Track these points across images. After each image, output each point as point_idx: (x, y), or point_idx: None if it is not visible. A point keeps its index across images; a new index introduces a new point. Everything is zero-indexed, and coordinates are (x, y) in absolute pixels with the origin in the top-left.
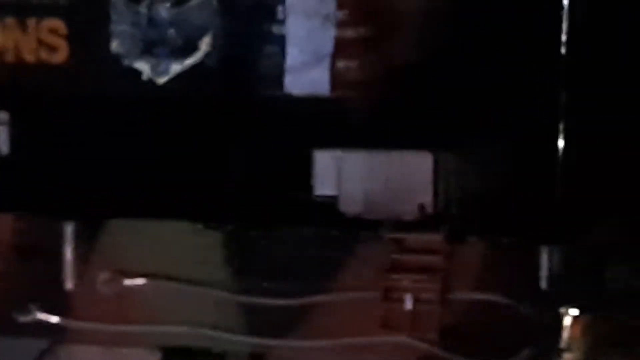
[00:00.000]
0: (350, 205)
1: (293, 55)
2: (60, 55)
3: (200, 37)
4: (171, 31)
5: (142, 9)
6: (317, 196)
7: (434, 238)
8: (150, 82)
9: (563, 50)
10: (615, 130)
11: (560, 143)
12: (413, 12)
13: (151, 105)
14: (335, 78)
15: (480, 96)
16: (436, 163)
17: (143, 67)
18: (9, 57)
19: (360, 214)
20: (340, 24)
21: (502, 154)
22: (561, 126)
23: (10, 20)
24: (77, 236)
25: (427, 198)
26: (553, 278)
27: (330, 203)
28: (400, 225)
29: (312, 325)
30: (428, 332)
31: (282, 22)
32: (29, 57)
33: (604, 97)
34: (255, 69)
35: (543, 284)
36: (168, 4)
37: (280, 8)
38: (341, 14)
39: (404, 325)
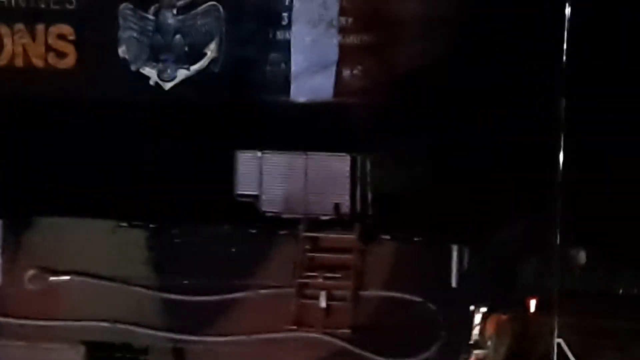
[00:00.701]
0: (270, 205)
1: (298, 62)
2: (69, 60)
3: (206, 43)
4: (178, 37)
5: (150, 15)
6: (239, 195)
7: (348, 237)
8: (157, 87)
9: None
10: (506, 132)
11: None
12: (416, 19)
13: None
14: (341, 84)
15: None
16: (353, 165)
17: (150, 72)
18: (17, 62)
19: (279, 213)
20: (344, 31)
21: (415, 156)
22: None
23: (19, 26)
24: (4, 234)
25: (343, 199)
26: (463, 276)
27: (251, 202)
28: (317, 224)
29: (230, 321)
30: (341, 329)
31: (287, 28)
32: (38, 62)
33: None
34: (261, 75)
35: (453, 282)
36: (175, 11)
37: (285, 15)
38: (345, 21)
39: (317, 322)
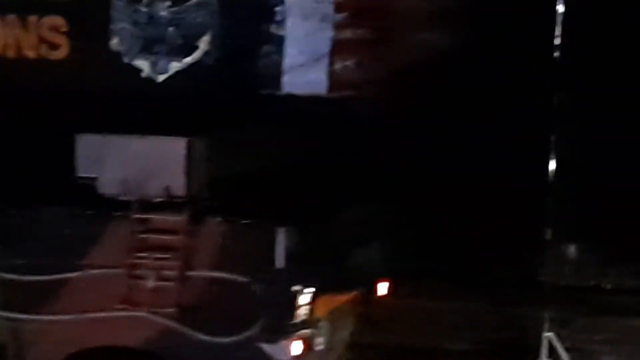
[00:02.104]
0: (108, 187)
1: (291, 55)
2: (61, 52)
3: (199, 36)
4: (171, 30)
5: (142, 7)
6: (79, 177)
7: (177, 219)
8: (150, 79)
9: None
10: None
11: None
12: (410, 12)
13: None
14: (334, 78)
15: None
16: (189, 148)
17: (143, 64)
18: (9, 53)
19: (115, 195)
20: (338, 26)
21: (248, 140)
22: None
23: (11, 17)
24: None
25: (178, 181)
26: (288, 257)
27: (91, 184)
28: (151, 206)
29: (62, 300)
30: (168, 308)
31: (281, 22)
32: (30, 54)
33: None
34: (254, 68)
35: (279, 263)
36: (168, 3)
37: (279, 9)
38: (339, 16)
39: (146, 301)
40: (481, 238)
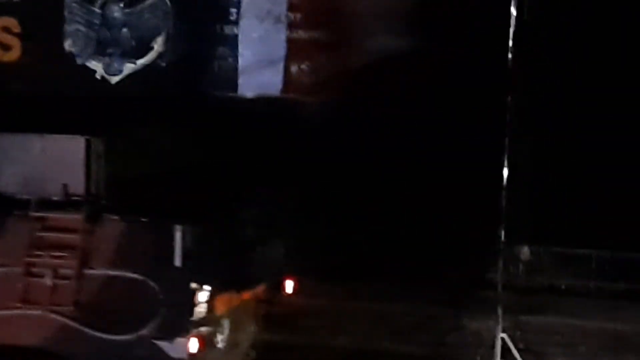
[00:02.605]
0: (7, 185)
1: (246, 57)
2: (13, 53)
3: (153, 37)
4: (124, 31)
5: (96, 9)
6: None
7: (75, 217)
8: (104, 81)
9: None
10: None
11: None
12: (364, 15)
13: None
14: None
15: None
16: (88, 147)
17: (96, 66)
18: None
19: (14, 194)
20: (293, 26)
21: (151, 140)
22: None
23: None
24: None
25: (77, 180)
26: (187, 256)
27: None
28: (49, 204)
29: None
30: (65, 306)
31: (235, 23)
32: None
33: None
34: (208, 70)
35: (177, 262)
36: (121, 5)
37: (233, 10)
38: (293, 17)
39: (43, 300)
40: (433, 240)
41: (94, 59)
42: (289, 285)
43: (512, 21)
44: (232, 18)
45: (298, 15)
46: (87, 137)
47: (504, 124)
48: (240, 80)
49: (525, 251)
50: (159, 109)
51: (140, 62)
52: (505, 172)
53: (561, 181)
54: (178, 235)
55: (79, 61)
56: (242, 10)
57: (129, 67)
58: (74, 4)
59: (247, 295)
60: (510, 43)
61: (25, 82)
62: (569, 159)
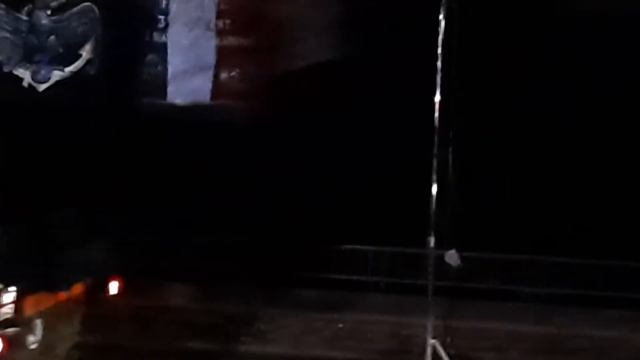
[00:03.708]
0: None
1: (175, 64)
2: None
3: (81, 44)
4: (52, 38)
5: (23, 16)
6: None
7: None
8: (31, 88)
9: None
10: None
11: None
12: (293, 21)
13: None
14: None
15: None
16: None
17: (23, 74)
18: None
19: None
20: (222, 33)
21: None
22: None
23: None
24: None
25: None
26: None
27: None
28: None
29: None
30: None
31: (164, 31)
32: None
33: None
34: (137, 78)
35: None
36: (49, 12)
37: (162, 17)
38: (223, 24)
39: None
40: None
41: (21, 67)
42: (114, 286)
43: (441, 28)
44: (161, 25)
45: (227, 23)
46: None
47: (432, 131)
48: (170, 88)
49: (455, 257)
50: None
51: (69, 69)
52: (435, 179)
53: (492, 188)
54: None
55: (5, 69)
56: (171, 17)
57: (57, 75)
58: (0, 11)
59: (63, 296)
60: (439, 50)
61: None
62: (501, 164)
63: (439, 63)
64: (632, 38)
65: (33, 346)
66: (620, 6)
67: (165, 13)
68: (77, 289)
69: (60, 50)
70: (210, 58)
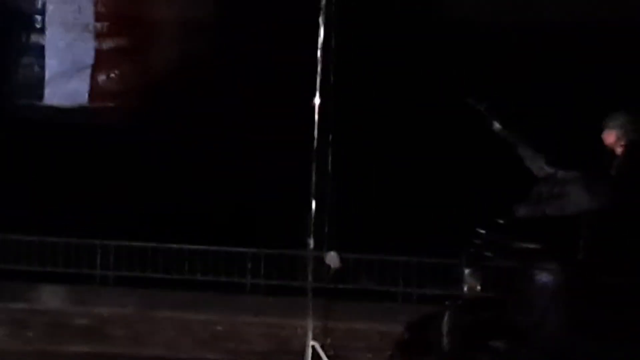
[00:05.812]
0: None
1: (52, 66)
2: None
3: None
4: None
5: None
6: None
7: None
8: None
9: None
10: None
11: None
12: (172, 23)
13: None
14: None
15: None
16: None
17: None
18: None
19: None
20: (100, 35)
21: None
22: None
23: None
24: None
25: None
26: None
27: None
28: None
29: None
30: None
31: (40, 32)
32: None
33: None
34: (13, 79)
35: None
36: None
37: (38, 18)
38: (101, 26)
39: None
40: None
41: None
42: None
43: (321, 31)
44: (38, 26)
45: (106, 24)
46: None
47: (311, 134)
48: (47, 89)
49: (335, 258)
50: None
51: None
52: (314, 179)
53: (370, 189)
54: None
55: None
56: (47, 18)
57: None
58: None
59: None
60: (319, 53)
61: None
62: (378, 165)
63: (319, 67)
64: (500, 43)
65: None
66: (495, 13)
67: (42, 14)
68: None
69: None
70: (88, 60)
